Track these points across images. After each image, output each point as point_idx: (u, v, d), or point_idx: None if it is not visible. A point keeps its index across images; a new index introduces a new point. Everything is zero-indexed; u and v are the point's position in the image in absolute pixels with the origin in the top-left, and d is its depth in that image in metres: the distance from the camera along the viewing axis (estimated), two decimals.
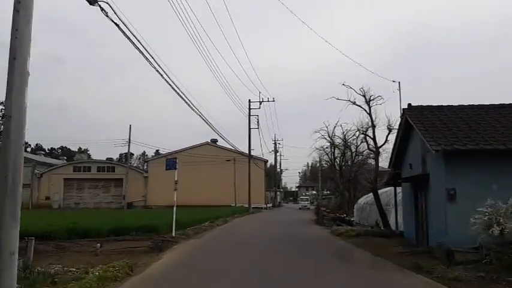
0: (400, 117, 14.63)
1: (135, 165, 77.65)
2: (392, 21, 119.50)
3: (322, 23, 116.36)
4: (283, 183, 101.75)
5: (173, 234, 14.73)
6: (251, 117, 47.41)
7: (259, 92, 46.88)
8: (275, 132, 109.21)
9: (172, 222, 15.04)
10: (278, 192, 75.95)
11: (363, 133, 18.31)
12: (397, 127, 16.47)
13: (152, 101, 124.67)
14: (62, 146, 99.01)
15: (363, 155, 26.68)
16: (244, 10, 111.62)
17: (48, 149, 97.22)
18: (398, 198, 17.85)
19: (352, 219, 24.16)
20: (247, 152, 47.32)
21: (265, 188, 58.09)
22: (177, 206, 15.72)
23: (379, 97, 17.80)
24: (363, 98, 18.00)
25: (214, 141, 57.20)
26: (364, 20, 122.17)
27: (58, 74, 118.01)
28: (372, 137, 17.91)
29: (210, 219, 24.08)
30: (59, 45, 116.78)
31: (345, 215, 24.13)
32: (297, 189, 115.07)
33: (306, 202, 58.40)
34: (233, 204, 47.75)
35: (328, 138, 26.89)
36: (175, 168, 15.15)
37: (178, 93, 17.70)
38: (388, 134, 17.41)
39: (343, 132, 26.45)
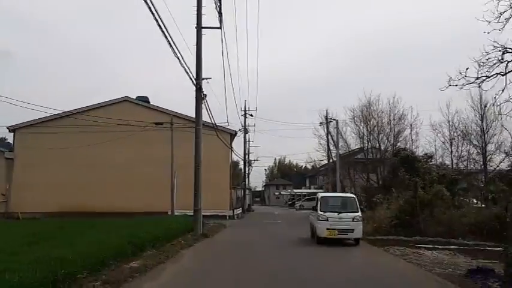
0: None
1: None
2: None
3: None
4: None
5: None
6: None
7: None
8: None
9: None
10: (247, 191, 51.59)
11: None
12: None
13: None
14: None
15: None
16: None
17: None
18: None
19: None
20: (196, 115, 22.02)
21: (231, 181, 34.29)
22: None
23: None
24: None
25: (143, 99, 32.51)
26: None
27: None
28: None
29: None
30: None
31: None
32: (263, 189, 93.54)
33: (352, 214, 14.97)
34: (169, 212, 23.78)
35: None
36: None
37: None
38: None
39: None
